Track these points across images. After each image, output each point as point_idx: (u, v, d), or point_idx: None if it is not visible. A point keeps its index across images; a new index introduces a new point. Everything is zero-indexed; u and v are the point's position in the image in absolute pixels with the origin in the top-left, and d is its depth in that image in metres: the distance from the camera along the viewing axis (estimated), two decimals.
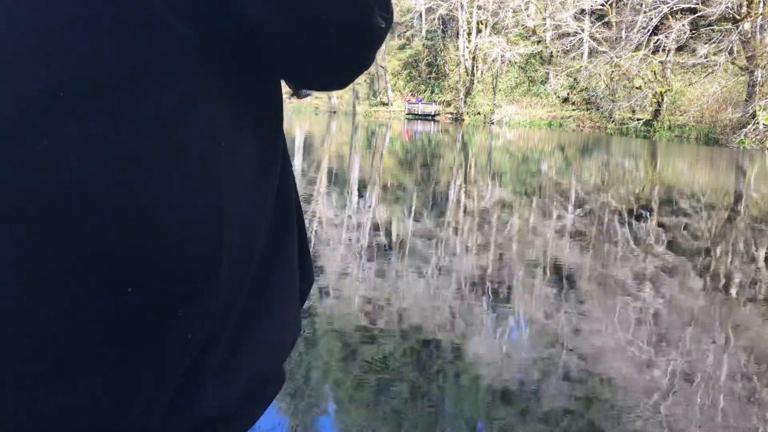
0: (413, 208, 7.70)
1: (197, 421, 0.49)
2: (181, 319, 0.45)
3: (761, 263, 5.46)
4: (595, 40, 31.86)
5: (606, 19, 32.43)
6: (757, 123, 22.38)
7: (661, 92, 28.53)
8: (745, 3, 24.41)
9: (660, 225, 7.09)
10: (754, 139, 21.98)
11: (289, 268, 0.60)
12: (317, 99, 43.89)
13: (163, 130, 0.42)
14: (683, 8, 26.85)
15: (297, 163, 11.59)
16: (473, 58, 37.50)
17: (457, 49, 38.43)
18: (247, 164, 0.50)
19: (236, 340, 0.52)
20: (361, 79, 43.00)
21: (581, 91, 33.50)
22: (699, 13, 26.04)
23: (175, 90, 0.43)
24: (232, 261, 0.47)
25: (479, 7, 37.24)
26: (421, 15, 42.78)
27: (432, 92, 39.93)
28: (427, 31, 42.65)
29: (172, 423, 0.47)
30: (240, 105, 0.50)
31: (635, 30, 28.03)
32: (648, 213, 7.94)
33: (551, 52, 35.61)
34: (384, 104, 41.18)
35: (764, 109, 22.64)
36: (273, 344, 0.58)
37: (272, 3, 0.45)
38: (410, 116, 38.01)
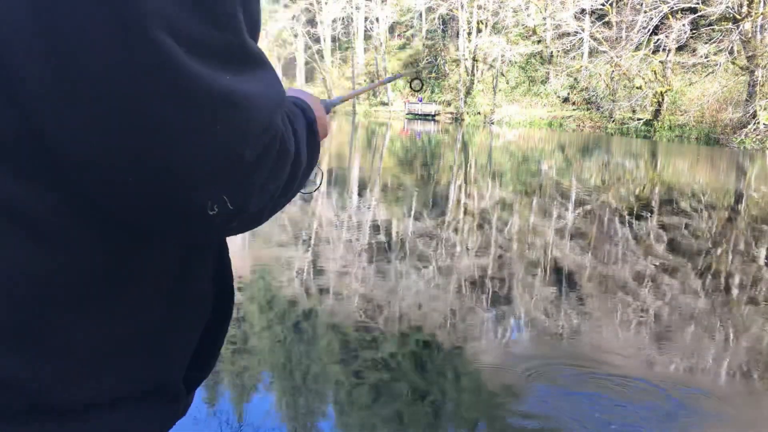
0: (413, 207, 7.69)
1: None
2: None
3: (761, 263, 5.45)
4: (595, 39, 31.82)
5: (606, 19, 32.38)
6: (758, 123, 22.34)
7: (661, 92, 28.48)
8: (745, 3, 24.36)
9: (660, 225, 7.08)
10: (754, 139, 21.95)
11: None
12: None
13: None
14: (683, 8, 26.78)
15: None
16: (473, 58, 37.44)
17: (458, 49, 38.38)
18: None
19: None
20: (361, 79, 42.97)
21: (581, 91, 33.44)
22: (699, 13, 25.99)
23: None
24: None
25: (479, 7, 37.19)
26: (421, 14, 42.73)
27: (432, 92, 39.87)
28: (427, 30, 42.59)
29: None
30: None
31: (635, 30, 27.97)
32: (648, 213, 7.93)
33: (551, 52, 35.56)
34: (384, 104, 41.12)
35: (765, 109, 22.61)
36: None
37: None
38: (410, 116, 37.96)
